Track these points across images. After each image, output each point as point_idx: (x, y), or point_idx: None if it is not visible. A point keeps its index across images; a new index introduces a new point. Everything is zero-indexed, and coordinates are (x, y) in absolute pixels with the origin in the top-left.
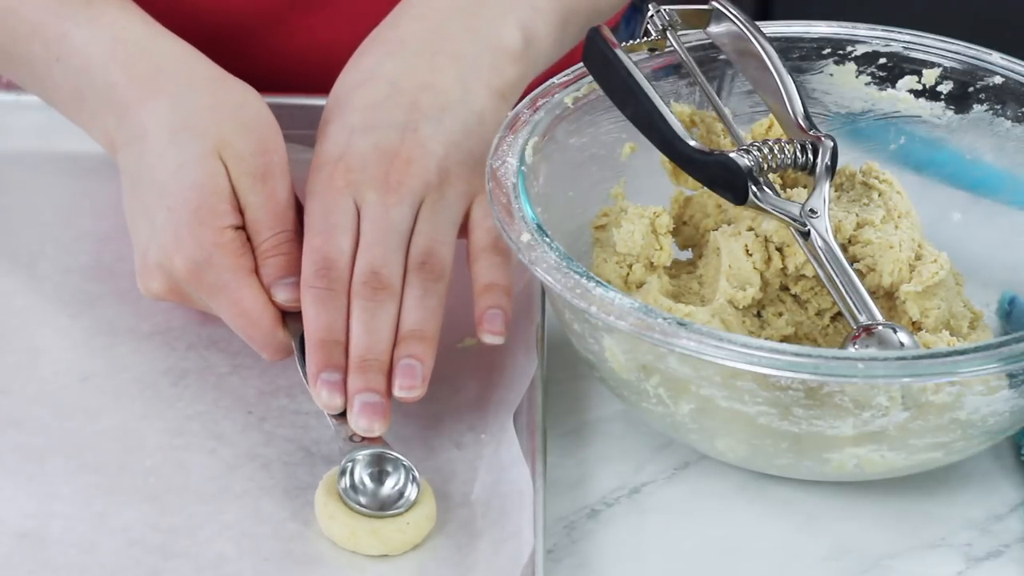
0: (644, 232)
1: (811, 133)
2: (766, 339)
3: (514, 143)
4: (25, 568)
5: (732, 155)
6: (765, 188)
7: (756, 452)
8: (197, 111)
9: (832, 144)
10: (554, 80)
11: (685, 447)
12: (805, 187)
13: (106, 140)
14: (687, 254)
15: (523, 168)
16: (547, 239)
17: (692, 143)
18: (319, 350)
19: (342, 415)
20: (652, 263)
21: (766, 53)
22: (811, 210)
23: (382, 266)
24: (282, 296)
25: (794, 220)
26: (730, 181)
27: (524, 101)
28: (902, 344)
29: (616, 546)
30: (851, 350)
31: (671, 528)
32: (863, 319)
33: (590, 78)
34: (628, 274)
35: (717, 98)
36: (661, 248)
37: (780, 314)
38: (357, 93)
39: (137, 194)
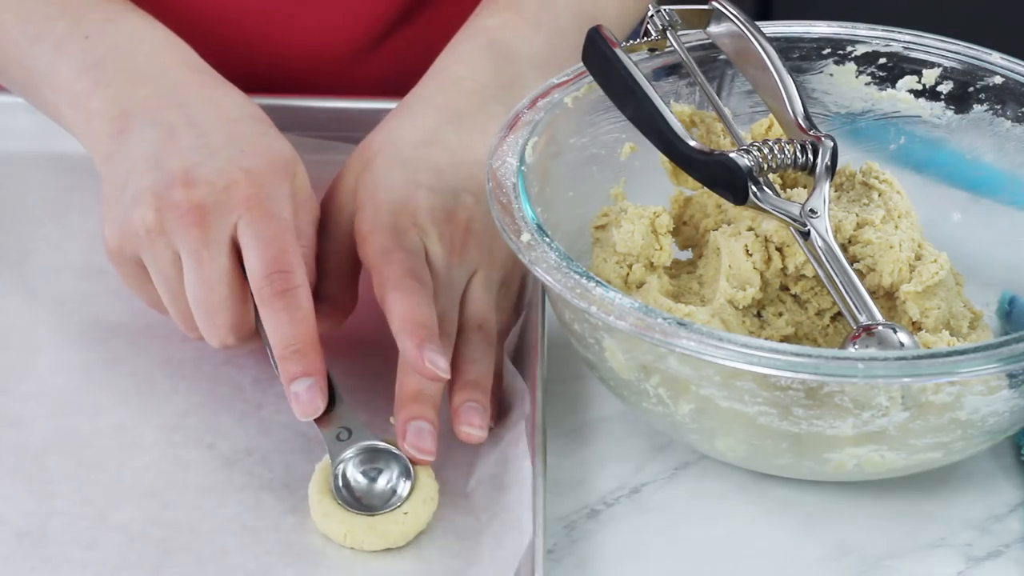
0: (644, 232)
1: (811, 133)
2: (766, 339)
3: (514, 143)
4: (27, 565)
5: (732, 155)
6: (765, 188)
7: (756, 452)
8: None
9: (832, 144)
10: (554, 80)
11: (685, 447)
12: (805, 187)
13: (117, 104)
14: (687, 254)
15: (523, 168)
16: (547, 239)
17: (692, 143)
18: (418, 328)
19: (321, 418)
20: (652, 263)
21: (766, 53)
22: (811, 210)
23: (442, 316)
24: None
25: (794, 220)
26: (730, 181)
27: (524, 101)
28: (902, 344)
29: (616, 546)
30: (851, 350)
31: (671, 528)
32: (863, 319)
33: (590, 78)
34: (628, 274)
35: (717, 98)
36: (661, 248)
37: (780, 314)
38: (420, 152)
39: (178, 129)
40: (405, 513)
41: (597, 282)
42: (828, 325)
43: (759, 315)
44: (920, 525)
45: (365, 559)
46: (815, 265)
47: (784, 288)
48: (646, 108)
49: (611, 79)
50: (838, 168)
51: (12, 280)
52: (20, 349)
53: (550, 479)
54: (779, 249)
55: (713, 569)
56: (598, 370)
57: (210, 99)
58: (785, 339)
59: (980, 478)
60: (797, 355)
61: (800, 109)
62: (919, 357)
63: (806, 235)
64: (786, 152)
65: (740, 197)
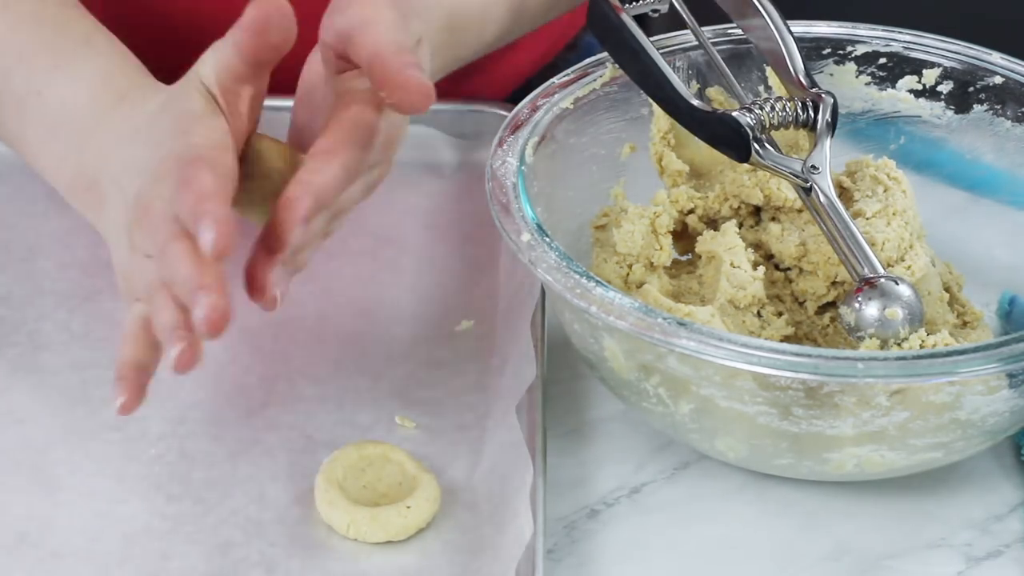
0: (644, 232)
1: (811, 90)
2: (766, 339)
3: (514, 143)
4: (33, 556)
5: (734, 113)
6: (767, 146)
7: (756, 452)
8: None
9: (832, 100)
10: (554, 80)
11: (685, 447)
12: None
13: (74, 176)
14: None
15: (523, 168)
16: (547, 239)
17: (695, 102)
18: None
19: None
20: (652, 263)
21: (766, 11)
22: (812, 166)
23: None
24: None
25: (796, 176)
26: (733, 139)
27: (524, 101)
28: (904, 295)
29: (616, 546)
30: (850, 351)
31: (671, 528)
32: (865, 272)
33: (590, 78)
34: (628, 274)
35: (719, 58)
36: (661, 248)
37: (780, 314)
38: None
39: (110, 197)
40: (408, 507)
41: (597, 282)
42: (828, 325)
43: (759, 315)
44: (920, 525)
45: (369, 551)
46: (817, 219)
47: (787, 280)
48: (649, 69)
49: (615, 41)
50: (857, 158)
51: (18, 275)
52: (24, 344)
53: (550, 479)
54: (776, 265)
55: (713, 569)
56: (598, 370)
57: (116, 144)
58: (785, 339)
59: (980, 478)
60: (797, 355)
61: (800, 66)
62: (919, 357)
63: (808, 191)
64: (787, 109)
65: (743, 155)
